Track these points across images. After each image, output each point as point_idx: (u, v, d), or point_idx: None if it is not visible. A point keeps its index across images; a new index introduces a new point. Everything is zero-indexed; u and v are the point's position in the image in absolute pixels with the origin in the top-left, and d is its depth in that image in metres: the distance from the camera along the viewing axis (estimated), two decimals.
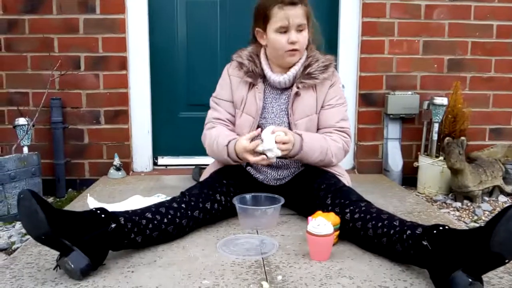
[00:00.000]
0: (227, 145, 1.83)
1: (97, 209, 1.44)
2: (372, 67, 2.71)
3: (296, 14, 1.81)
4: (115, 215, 1.46)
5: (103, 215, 1.42)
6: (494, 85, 2.78)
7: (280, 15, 1.81)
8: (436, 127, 2.57)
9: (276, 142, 1.71)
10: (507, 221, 1.16)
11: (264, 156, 1.74)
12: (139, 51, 2.70)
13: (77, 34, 2.61)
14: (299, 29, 1.83)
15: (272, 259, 1.49)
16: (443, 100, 2.54)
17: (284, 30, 1.83)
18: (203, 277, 1.36)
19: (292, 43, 1.82)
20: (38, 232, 1.31)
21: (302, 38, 1.85)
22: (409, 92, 2.70)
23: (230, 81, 1.97)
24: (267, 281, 1.33)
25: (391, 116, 2.68)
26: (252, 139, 1.78)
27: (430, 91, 2.71)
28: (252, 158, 1.76)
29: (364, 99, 2.74)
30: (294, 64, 1.90)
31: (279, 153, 1.73)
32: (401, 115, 2.68)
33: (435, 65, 2.73)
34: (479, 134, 2.79)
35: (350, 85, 2.74)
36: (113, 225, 1.41)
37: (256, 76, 1.92)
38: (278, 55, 1.89)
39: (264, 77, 1.93)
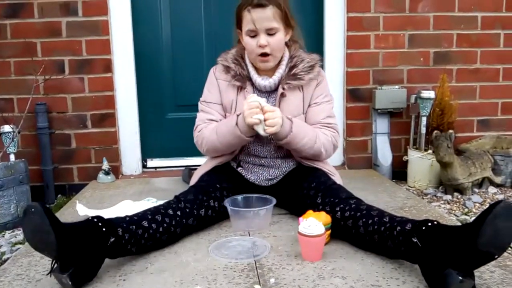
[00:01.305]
0: (238, 115, 1.78)
1: (97, 220, 1.42)
2: (359, 62, 2.71)
3: (264, 16, 1.77)
4: (113, 225, 1.43)
5: (104, 228, 1.39)
6: (480, 76, 2.79)
7: (247, 18, 1.79)
8: (424, 120, 2.58)
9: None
10: (494, 219, 1.16)
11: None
12: (123, 52, 2.68)
13: (60, 38, 2.58)
14: (270, 32, 1.79)
15: (265, 261, 1.48)
16: (430, 94, 2.55)
17: (253, 34, 1.80)
18: (196, 282, 1.35)
19: (261, 46, 1.80)
20: (43, 250, 1.29)
21: (274, 41, 1.80)
22: (396, 86, 2.70)
23: (218, 84, 1.95)
24: (260, 284, 1.33)
25: (379, 111, 2.69)
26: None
27: (417, 84, 2.72)
28: (250, 120, 1.70)
29: (352, 95, 2.74)
30: (278, 67, 1.88)
31: (262, 132, 1.71)
32: (389, 110, 2.69)
33: (421, 58, 2.74)
34: (467, 126, 2.81)
35: (337, 81, 2.74)
36: (112, 239, 1.40)
37: (244, 79, 1.90)
38: (252, 59, 1.88)
39: (251, 79, 1.91)
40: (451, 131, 2.37)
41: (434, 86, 2.64)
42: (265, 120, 1.70)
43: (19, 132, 2.42)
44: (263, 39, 1.79)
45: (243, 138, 1.79)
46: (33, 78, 2.47)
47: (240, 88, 1.90)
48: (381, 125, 2.74)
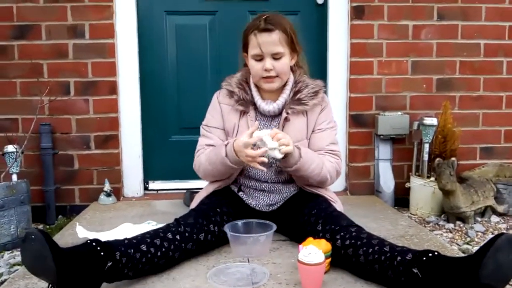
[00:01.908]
0: (225, 145, 1.78)
1: (95, 244, 1.41)
2: (362, 88, 2.72)
3: (270, 41, 1.79)
4: (111, 249, 1.43)
5: (102, 253, 1.39)
6: (483, 103, 2.80)
7: (254, 42, 1.81)
8: (426, 147, 2.58)
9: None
10: (495, 252, 1.15)
11: (264, 152, 1.68)
12: (129, 75, 2.70)
13: (66, 59, 2.61)
14: (275, 56, 1.81)
15: None
16: (433, 120, 2.55)
17: (259, 58, 1.82)
18: None
19: (266, 70, 1.81)
20: (41, 275, 1.29)
21: (279, 65, 1.82)
22: (399, 113, 2.70)
23: (220, 109, 1.96)
24: None
25: (381, 136, 2.69)
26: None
27: (420, 111, 2.72)
28: (252, 152, 1.68)
29: (355, 120, 2.74)
30: (282, 92, 1.89)
31: (279, 156, 1.69)
32: (391, 136, 2.69)
33: (424, 85, 2.75)
34: (469, 154, 2.80)
35: (340, 106, 2.75)
36: (109, 264, 1.39)
37: (247, 103, 1.91)
38: (256, 81, 1.89)
39: (255, 104, 1.92)
40: (453, 158, 2.36)
41: (437, 113, 2.64)
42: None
43: (22, 152, 2.43)
44: (268, 63, 1.80)
45: (234, 167, 1.80)
46: (39, 99, 2.50)
47: (243, 113, 1.91)
48: (384, 151, 2.74)
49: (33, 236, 1.25)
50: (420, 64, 2.73)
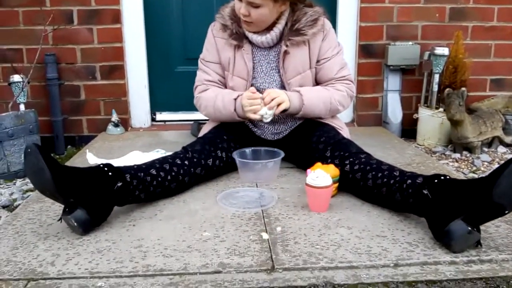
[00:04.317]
0: (235, 99, 1.80)
1: (104, 165, 1.44)
2: (373, 16, 2.64)
3: None
4: (121, 172, 1.45)
5: (110, 173, 1.41)
6: (496, 34, 2.72)
7: None
8: (436, 78, 2.54)
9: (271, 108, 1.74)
10: (510, 174, 1.16)
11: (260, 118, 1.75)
12: (132, 3, 2.63)
13: None
14: (253, 5, 1.71)
15: (271, 211, 1.50)
16: (444, 51, 2.49)
17: None
18: (204, 229, 1.38)
19: (242, 14, 1.75)
20: (43, 189, 1.32)
21: (255, 14, 1.73)
22: (410, 43, 2.64)
23: (215, 43, 1.91)
24: (266, 232, 1.35)
25: (391, 67, 2.64)
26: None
27: (431, 41, 2.65)
28: (252, 115, 1.75)
29: (364, 50, 2.69)
30: (277, 23, 1.81)
31: (268, 120, 1.76)
32: (401, 66, 2.64)
33: (437, 14, 2.66)
34: (479, 85, 2.76)
35: (349, 36, 2.68)
36: (119, 184, 1.41)
37: (241, 37, 1.85)
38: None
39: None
40: (463, 89, 2.33)
41: (449, 43, 2.58)
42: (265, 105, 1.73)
43: (28, 82, 2.41)
44: (243, 8, 1.73)
45: (240, 120, 1.84)
46: (42, 28, 2.45)
47: (238, 46, 1.87)
48: (393, 82, 2.70)
49: (29, 150, 1.28)
50: None
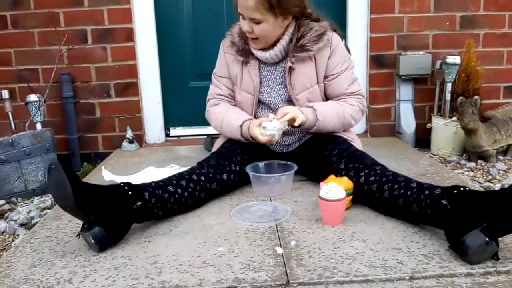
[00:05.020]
0: (241, 125, 1.84)
1: (124, 184, 1.46)
2: (383, 27, 2.65)
3: (247, 6, 1.70)
4: (140, 190, 1.47)
5: (130, 192, 1.43)
6: (508, 41, 2.70)
7: (236, 1, 1.75)
8: (449, 86, 2.53)
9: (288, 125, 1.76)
10: None
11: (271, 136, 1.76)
12: (145, 21, 2.68)
13: (82, 7, 2.59)
14: (254, 21, 1.73)
15: (285, 225, 1.50)
16: (456, 59, 2.49)
17: (242, 16, 1.76)
18: (218, 244, 1.38)
19: (246, 31, 1.77)
20: (64, 204, 1.34)
21: (258, 29, 1.74)
22: (421, 52, 2.64)
23: (225, 58, 1.96)
24: (280, 246, 1.35)
25: (403, 77, 2.64)
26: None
27: (443, 50, 2.65)
28: (261, 139, 1.76)
29: (375, 61, 2.69)
30: (281, 39, 1.82)
31: (277, 138, 1.76)
32: (413, 76, 2.64)
33: (447, 23, 2.66)
34: (493, 92, 2.74)
35: (360, 47, 2.69)
36: (138, 203, 1.43)
37: (247, 53, 1.88)
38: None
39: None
40: (476, 97, 2.32)
41: (460, 51, 2.57)
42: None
43: (44, 102, 2.46)
44: (246, 25, 1.75)
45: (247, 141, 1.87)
46: (57, 48, 2.51)
47: (245, 62, 1.89)
48: (405, 92, 2.70)
49: (53, 166, 1.31)
50: (443, 1, 2.63)
